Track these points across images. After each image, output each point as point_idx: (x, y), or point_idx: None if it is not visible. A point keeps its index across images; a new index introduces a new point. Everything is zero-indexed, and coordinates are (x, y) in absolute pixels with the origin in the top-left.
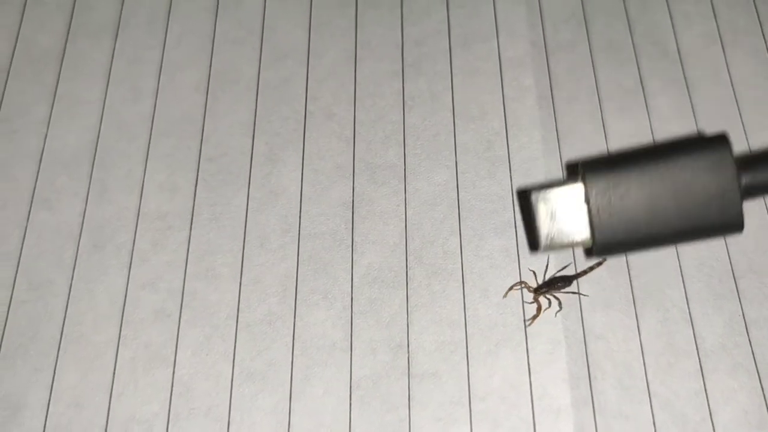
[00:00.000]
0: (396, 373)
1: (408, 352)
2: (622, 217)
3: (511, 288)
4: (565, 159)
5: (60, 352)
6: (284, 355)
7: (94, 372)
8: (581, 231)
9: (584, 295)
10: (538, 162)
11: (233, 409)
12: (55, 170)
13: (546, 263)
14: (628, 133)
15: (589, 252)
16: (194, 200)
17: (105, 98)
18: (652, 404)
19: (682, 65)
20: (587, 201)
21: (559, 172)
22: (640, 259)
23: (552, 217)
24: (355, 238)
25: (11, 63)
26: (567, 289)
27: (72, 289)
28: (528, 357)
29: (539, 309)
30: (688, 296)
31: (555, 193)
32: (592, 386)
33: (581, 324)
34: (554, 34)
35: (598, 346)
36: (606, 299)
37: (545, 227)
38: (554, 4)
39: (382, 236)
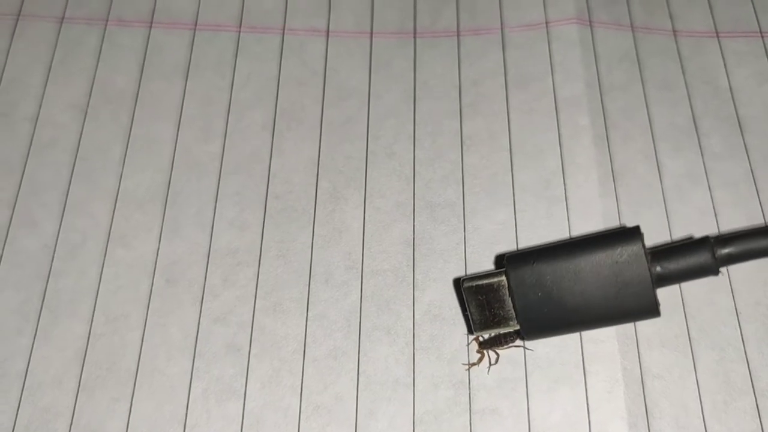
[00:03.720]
0: (457, 409)
1: (469, 388)
2: (545, 305)
3: (470, 342)
4: (621, 199)
5: (136, 383)
6: (349, 389)
7: (169, 403)
8: (509, 317)
9: (530, 350)
10: (595, 202)
11: None
12: (131, 208)
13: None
14: (682, 171)
15: (519, 336)
16: (262, 237)
17: (177, 138)
18: None
19: (734, 104)
20: (510, 292)
21: (615, 212)
22: (696, 298)
23: (481, 305)
24: (417, 276)
25: (88, 103)
26: (513, 344)
27: (147, 322)
28: (587, 395)
29: (480, 360)
30: (743, 335)
31: (482, 283)
32: (650, 425)
33: (638, 363)
34: (608, 73)
35: (656, 384)
36: (662, 338)
37: (476, 314)
38: (608, 44)
39: (443, 274)
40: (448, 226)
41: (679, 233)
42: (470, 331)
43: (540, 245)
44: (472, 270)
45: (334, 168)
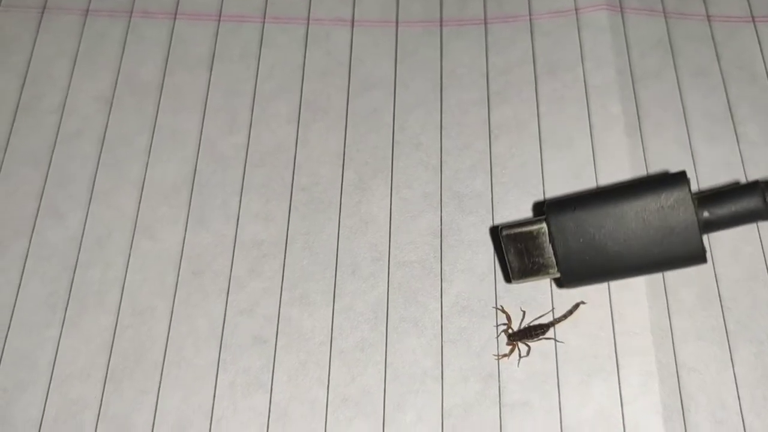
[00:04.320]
0: (487, 402)
1: (499, 381)
2: (587, 252)
3: (500, 333)
4: None
5: (163, 375)
6: (377, 381)
7: (196, 395)
8: (548, 265)
9: (561, 342)
10: None
11: None
12: (156, 199)
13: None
14: (717, 160)
15: (558, 283)
16: (288, 228)
17: (202, 129)
18: None
19: None
20: (551, 239)
21: None
22: (732, 289)
23: (520, 252)
24: (444, 267)
25: (114, 95)
26: (544, 336)
27: (173, 314)
28: (620, 388)
29: (511, 352)
30: None
31: (522, 231)
32: (686, 419)
33: (674, 356)
34: (640, 60)
35: (691, 378)
36: (698, 331)
37: (515, 262)
38: (640, 30)
39: (471, 265)
40: (476, 216)
41: None
42: (507, 280)
43: (581, 191)
44: (500, 262)
45: (360, 159)
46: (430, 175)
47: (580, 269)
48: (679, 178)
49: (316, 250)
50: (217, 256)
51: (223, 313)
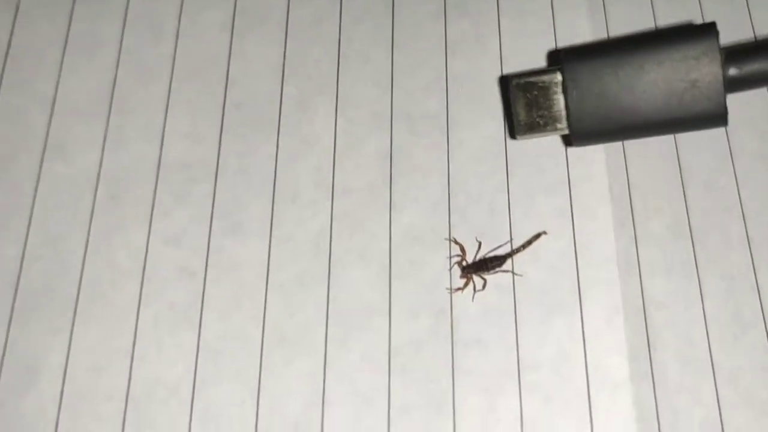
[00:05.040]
0: (438, 340)
1: (451, 317)
2: (601, 105)
3: (453, 264)
4: None
5: (77, 311)
6: (318, 318)
7: (115, 334)
8: (558, 119)
9: (518, 275)
10: None
11: (264, 374)
12: (70, 118)
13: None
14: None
15: (567, 140)
16: (219, 150)
17: (122, 39)
18: (716, 379)
19: None
20: (564, 89)
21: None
22: (703, 221)
23: (529, 104)
24: (394, 195)
25: (18, 3)
26: (501, 269)
27: (89, 244)
28: (583, 325)
29: (465, 285)
30: (755, 264)
31: (533, 80)
32: (652, 358)
33: (641, 290)
34: None
35: (659, 314)
36: (667, 264)
37: (522, 114)
38: None
39: (423, 193)
40: (430, 139)
41: None
42: (512, 136)
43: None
44: (456, 189)
45: (301, 74)
46: (380, 94)
47: (592, 124)
48: (707, 29)
49: (251, 174)
50: (139, 179)
51: (146, 242)
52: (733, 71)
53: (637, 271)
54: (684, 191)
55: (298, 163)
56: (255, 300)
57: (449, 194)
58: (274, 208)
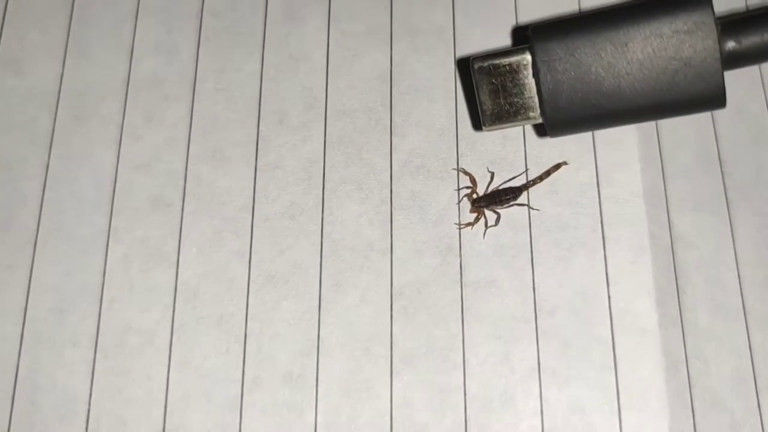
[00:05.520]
0: (445, 281)
1: (460, 255)
2: (579, 89)
3: (462, 197)
4: None
5: (37, 246)
6: (311, 256)
7: (80, 271)
8: (530, 106)
9: (535, 209)
10: None
11: (251, 318)
12: (24, 25)
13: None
14: None
15: (540, 130)
16: (196, 65)
17: None
18: (748, 324)
19: None
20: (536, 72)
21: None
22: (734, 153)
23: (496, 90)
24: (395, 118)
25: None
26: (516, 202)
27: (49, 169)
28: (606, 266)
29: (476, 221)
30: None
31: (499, 62)
32: (681, 302)
33: (668, 228)
34: None
35: (688, 254)
36: (696, 199)
37: (488, 103)
38: None
39: (427, 116)
40: (434, 57)
41: None
42: (479, 127)
43: (572, 15)
44: (464, 113)
45: None
46: (378, 5)
47: (569, 111)
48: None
49: (233, 92)
50: (106, 97)
51: (114, 168)
52: (731, 45)
53: (665, 206)
54: (713, 119)
55: (285, 81)
56: (239, 235)
57: (457, 119)
58: (260, 132)
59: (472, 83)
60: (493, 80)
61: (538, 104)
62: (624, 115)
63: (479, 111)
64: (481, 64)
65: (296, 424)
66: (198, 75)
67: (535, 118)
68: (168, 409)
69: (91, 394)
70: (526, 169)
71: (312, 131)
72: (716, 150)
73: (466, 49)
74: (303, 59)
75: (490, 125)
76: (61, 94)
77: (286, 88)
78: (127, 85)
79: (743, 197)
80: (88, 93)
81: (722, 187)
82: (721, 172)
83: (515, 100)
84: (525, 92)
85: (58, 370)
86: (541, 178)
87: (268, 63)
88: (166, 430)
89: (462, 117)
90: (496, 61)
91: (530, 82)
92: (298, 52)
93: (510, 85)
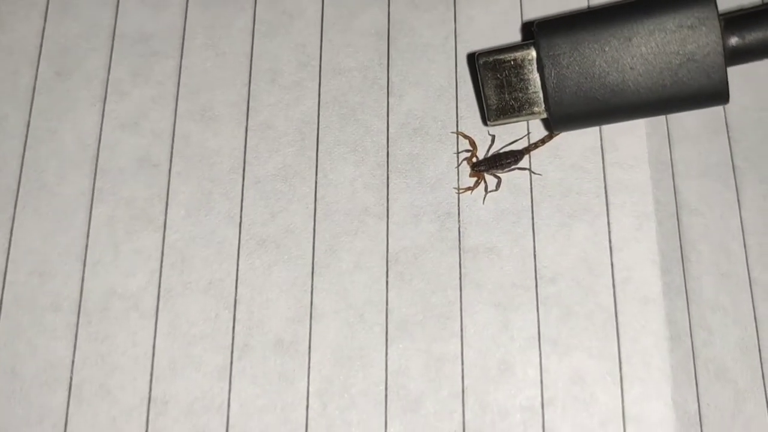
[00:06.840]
0: (443, 247)
1: (459, 221)
2: (583, 84)
3: (461, 161)
4: None
5: (18, 207)
6: (304, 219)
7: (62, 233)
8: (535, 101)
9: (536, 174)
10: None
11: (241, 284)
12: None
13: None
14: None
15: (546, 124)
16: (185, 19)
17: None
18: (753, 294)
19: None
20: (540, 67)
21: None
22: (741, 120)
23: (501, 85)
24: (392, 78)
25: None
26: (517, 166)
27: (30, 127)
28: (609, 232)
29: (476, 185)
30: None
31: (504, 58)
32: (686, 270)
33: (674, 195)
34: None
35: (693, 222)
36: (702, 165)
37: (493, 98)
38: None
39: (426, 76)
40: (434, 14)
41: None
42: (484, 122)
43: (581, 9)
44: (464, 74)
45: None
46: None
47: (574, 106)
48: None
49: (223, 49)
50: (90, 52)
51: (99, 127)
52: (734, 41)
53: (671, 172)
54: None
55: (278, 37)
56: (229, 197)
57: (456, 79)
58: (251, 90)
59: (477, 79)
60: (498, 75)
61: (542, 99)
62: (628, 110)
63: (484, 106)
64: (486, 59)
65: (288, 392)
66: (187, 30)
67: (539, 113)
68: (154, 376)
69: (73, 361)
70: (528, 133)
71: (305, 90)
72: (723, 116)
73: (468, 6)
74: (297, 15)
75: (495, 120)
76: (42, 49)
77: (279, 44)
78: (113, 40)
79: (750, 164)
80: (72, 48)
81: (729, 153)
82: (728, 138)
83: (520, 95)
84: (530, 87)
85: (39, 335)
86: (543, 141)
87: (260, 18)
88: (152, 398)
89: (462, 77)
90: (501, 57)
91: (535, 77)
92: (292, 7)
93: (515, 80)
